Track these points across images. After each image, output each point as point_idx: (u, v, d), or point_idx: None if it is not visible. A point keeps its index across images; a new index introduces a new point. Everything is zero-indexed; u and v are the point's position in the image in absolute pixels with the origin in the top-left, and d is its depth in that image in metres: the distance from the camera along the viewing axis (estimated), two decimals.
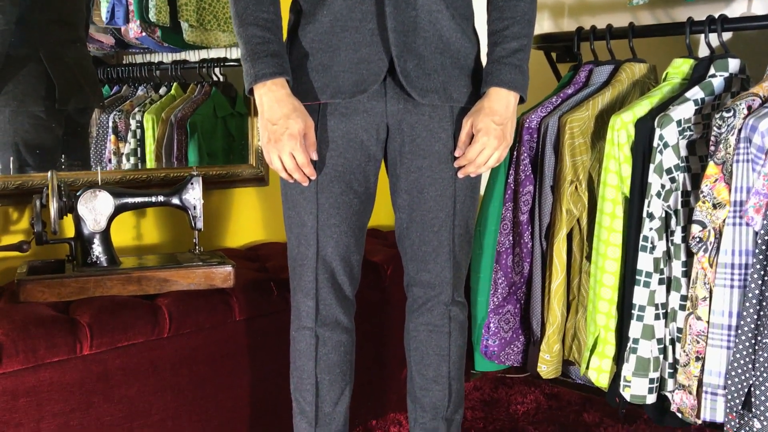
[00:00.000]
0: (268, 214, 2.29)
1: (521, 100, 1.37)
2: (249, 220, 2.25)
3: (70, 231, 1.75)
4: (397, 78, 1.33)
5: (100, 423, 1.45)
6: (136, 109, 2.32)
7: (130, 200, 1.68)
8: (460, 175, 1.40)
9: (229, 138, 2.44)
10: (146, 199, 1.70)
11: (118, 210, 1.66)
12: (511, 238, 1.89)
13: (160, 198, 1.71)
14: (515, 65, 1.34)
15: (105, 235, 1.65)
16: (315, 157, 1.32)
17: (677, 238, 1.63)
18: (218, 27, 2.42)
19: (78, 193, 1.63)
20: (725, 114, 1.51)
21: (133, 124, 2.33)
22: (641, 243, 1.63)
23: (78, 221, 1.63)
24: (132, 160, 2.29)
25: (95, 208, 1.63)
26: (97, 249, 1.63)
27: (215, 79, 2.36)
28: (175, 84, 2.39)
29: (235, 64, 2.42)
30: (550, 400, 2.18)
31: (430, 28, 1.32)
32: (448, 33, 1.34)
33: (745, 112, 1.49)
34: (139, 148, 2.32)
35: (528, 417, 2.06)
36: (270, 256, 2.03)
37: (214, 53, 2.40)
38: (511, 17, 1.35)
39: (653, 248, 1.63)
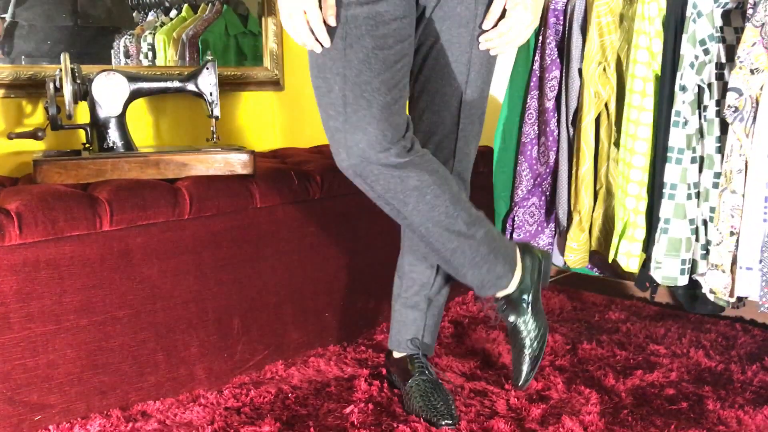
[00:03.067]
0: (286, 120, 2.24)
1: None
2: (266, 125, 2.21)
3: (85, 120, 1.71)
4: None
5: (122, 301, 1.43)
6: (147, 32, 2.27)
7: (145, 85, 1.63)
8: (484, 47, 1.37)
9: (242, 57, 2.39)
10: (162, 84, 1.65)
11: (134, 95, 1.62)
12: (536, 128, 1.84)
13: (176, 83, 1.66)
14: None
15: (121, 120, 1.61)
16: (332, 22, 1.26)
17: (710, 113, 1.58)
18: None
19: (92, 76, 1.59)
20: None
21: (144, 46, 2.28)
22: (673, 118, 1.58)
23: (93, 106, 1.59)
24: None
25: (110, 91, 1.58)
26: (114, 134, 1.60)
27: None
28: (185, 6, 2.33)
29: None
30: (575, 302, 2.15)
31: None
32: None
33: None
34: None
35: (553, 316, 2.04)
36: (290, 155, 1.99)
37: None
38: None
39: (686, 123, 1.58)
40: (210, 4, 2.34)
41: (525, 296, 1.45)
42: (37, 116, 1.76)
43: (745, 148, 1.50)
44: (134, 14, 2.28)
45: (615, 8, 1.71)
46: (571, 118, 1.78)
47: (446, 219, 1.32)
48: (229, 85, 2.10)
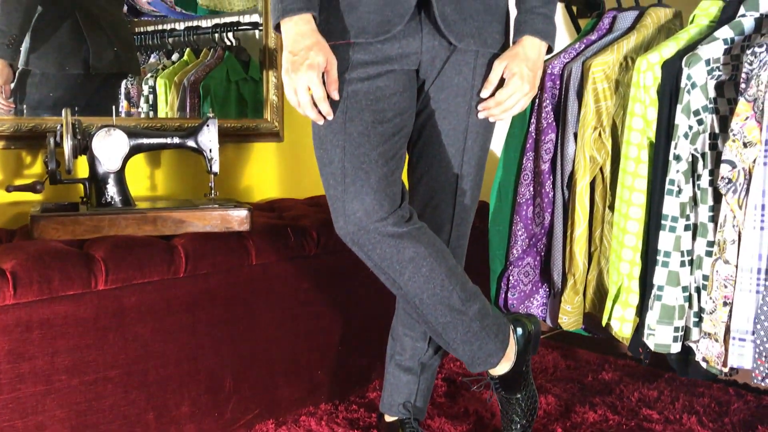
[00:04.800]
0: (284, 171, 2.26)
1: (549, 50, 1.42)
2: (265, 176, 2.22)
3: (84, 173, 1.72)
4: (431, 17, 1.33)
5: (115, 360, 1.43)
6: (149, 75, 2.30)
7: (145, 141, 1.65)
8: (482, 116, 1.41)
9: (242, 103, 2.41)
10: (162, 140, 1.67)
11: (133, 150, 1.63)
12: (531, 189, 1.86)
13: (176, 140, 1.68)
14: (546, 15, 1.39)
15: (119, 175, 1.62)
16: (336, 96, 1.29)
17: (704, 182, 1.59)
18: None
19: (92, 132, 1.60)
20: (757, 50, 1.47)
21: (145, 89, 2.31)
22: (667, 186, 1.59)
23: (92, 161, 1.60)
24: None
25: (110, 147, 1.60)
26: (112, 189, 1.61)
27: (228, 43, 2.33)
28: (187, 50, 2.36)
29: (249, 28, 2.39)
30: (569, 360, 2.15)
31: None
32: None
33: None
34: (151, 112, 2.29)
35: (546, 375, 2.03)
36: (287, 208, 2.00)
37: (227, 18, 2.37)
38: None
39: (680, 192, 1.59)
40: (212, 50, 2.37)
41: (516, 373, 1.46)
42: (36, 167, 1.77)
43: (738, 219, 1.52)
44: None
45: (611, 74, 1.74)
46: (566, 180, 1.79)
47: (441, 292, 1.33)
48: (229, 137, 2.12)
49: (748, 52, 1.48)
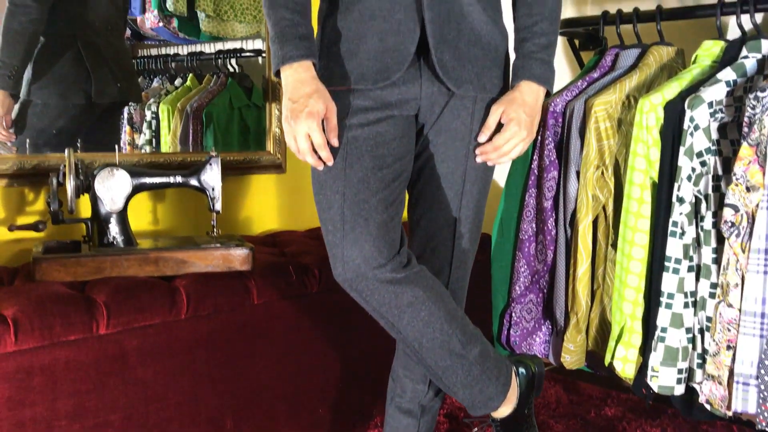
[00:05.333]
0: (285, 202, 2.26)
1: (547, 94, 1.42)
2: (266, 207, 2.22)
3: (86, 211, 1.72)
4: (430, 64, 1.33)
5: (115, 404, 1.42)
6: (152, 100, 2.30)
7: (148, 180, 1.65)
8: (480, 160, 1.41)
9: (245, 129, 2.42)
10: (164, 179, 1.67)
11: (136, 190, 1.64)
12: (534, 226, 1.85)
13: (179, 179, 1.68)
14: (545, 60, 1.39)
15: (122, 215, 1.62)
16: (335, 142, 1.29)
17: (707, 223, 1.59)
18: (235, 17, 2.39)
19: (95, 172, 1.60)
20: (760, 94, 1.47)
21: (148, 114, 2.31)
22: (671, 228, 1.59)
23: (95, 200, 1.60)
24: (147, 150, 2.27)
25: (112, 187, 1.60)
26: (114, 229, 1.61)
27: (231, 69, 2.34)
28: (190, 75, 2.37)
29: (251, 55, 2.39)
30: (571, 394, 2.14)
31: (464, 21, 1.33)
32: (480, 25, 1.35)
33: None
34: (153, 139, 2.29)
35: (549, 411, 2.02)
36: (288, 242, 2.00)
37: (230, 44, 2.38)
38: (539, 14, 1.39)
39: (683, 234, 1.59)
40: (215, 76, 2.38)
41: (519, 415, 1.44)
42: (39, 203, 1.77)
43: (741, 263, 1.51)
44: (139, 80, 2.32)
45: (613, 114, 1.74)
46: (569, 218, 1.79)
47: (440, 336, 1.33)
48: (232, 170, 2.12)
49: (751, 96, 1.48)
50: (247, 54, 2.41)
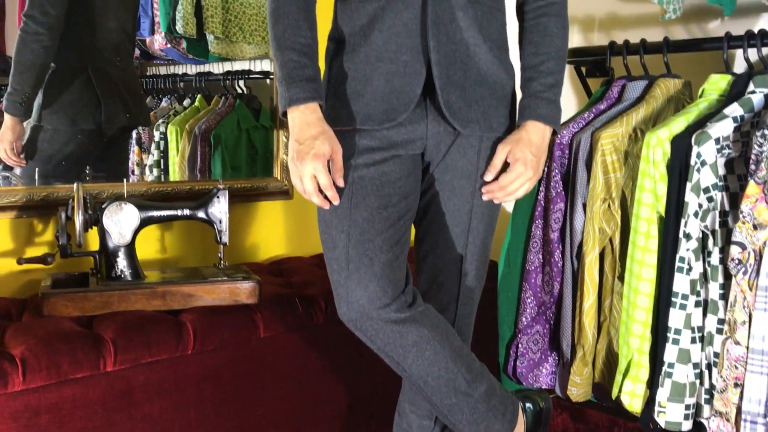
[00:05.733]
0: (292, 228, 2.27)
1: (554, 133, 1.42)
2: (273, 233, 2.23)
3: (94, 242, 1.73)
4: (437, 105, 1.34)
5: None
6: (160, 121, 2.31)
7: (155, 213, 1.66)
8: (486, 198, 1.41)
9: (253, 151, 2.43)
10: (172, 212, 1.68)
11: (144, 223, 1.65)
12: (540, 257, 1.85)
13: (186, 211, 1.69)
14: (551, 100, 1.39)
15: (130, 248, 1.63)
16: (341, 183, 1.30)
17: (714, 259, 1.58)
18: (243, 39, 2.41)
19: (103, 206, 1.61)
20: (767, 132, 1.46)
21: (156, 135, 2.32)
22: (678, 264, 1.58)
23: (103, 234, 1.61)
24: (155, 171, 2.29)
25: (120, 221, 1.61)
26: (122, 263, 1.62)
27: (239, 91, 2.35)
28: (199, 96, 2.38)
29: (260, 76, 2.41)
30: (578, 422, 2.13)
31: (470, 61, 1.34)
32: (486, 65, 1.36)
33: None
34: (162, 160, 2.31)
35: None
36: (294, 271, 2.00)
37: (238, 65, 2.39)
38: (546, 53, 1.39)
39: (690, 269, 1.58)
40: (223, 98, 2.39)
41: None
42: (48, 233, 1.78)
43: (748, 300, 1.51)
44: (148, 99, 2.33)
45: (620, 146, 1.74)
46: (575, 251, 1.79)
47: (446, 375, 1.33)
48: (239, 197, 2.12)
49: (758, 134, 1.48)
50: (255, 75, 2.42)
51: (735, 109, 1.59)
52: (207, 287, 1.61)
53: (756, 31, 1.67)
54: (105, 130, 2.01)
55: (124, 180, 1.78)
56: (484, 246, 1.46)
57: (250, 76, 2.41)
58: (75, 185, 1.59)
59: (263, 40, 2.41)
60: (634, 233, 1.68)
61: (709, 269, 1.59)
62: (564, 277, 1.82)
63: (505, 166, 1.39)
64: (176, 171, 2.31)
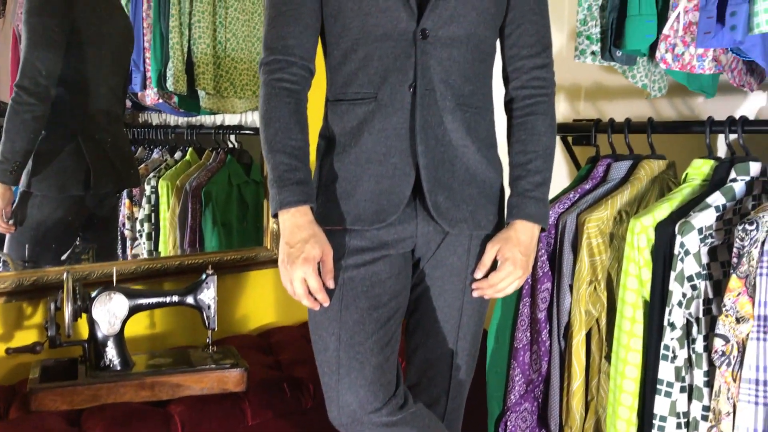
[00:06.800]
0: (281, 297, 2.27)
1: (542, 230, 1.43)
2: (262, 302, 2.24)
3: (83, 328, 1.73)
4: (426, 205, 1.35)
5: None
6: (151, 174, 2.33)
7: (144, 301, 1.67)
8: (476, 295, 1.43)
9: (244, 206, 2.44)
10: (161, 299, 1.69)
11: (133, 311, 1.65)
12: (528, 335, 1.87)
13: (175, 298, 1.70)
14: (539, 199, 1.40)
15: (119, 337, 1.64)
16: (331, 285, 1.31)
17: (699, 346, 1.60)
18: (235, 94, 2.43)
19: (93, 296, 1.62)
20: (748, 227, 1.48)
21: (147, 189, 2.34)
22: (662, 352, 1.60)
23: (92, 324, 1.62)
24: (146, 226, 2.30)
25: (110, 311, 1.62)
26: (111, 352, 1.62)
27: (231, 145, 2.37)
28: (190, 149, 2.39)
29: (252, 132, 2.42)
30: None
31: (458, 162, 1.36)
32: (475, 165, 1.37)
33: None
34: (153, 214, 2.32)
35: None
36: (283, 346, 2.01)
37: (229, 118, 2.41)
38: (534, 151, 1.40)
39: (674, 357, 1.60)
40: (214, 152, 2.41)
41: None
42: (37, 317, 1.79)
43: (732, 391, 1.52)
44: (139, 150, 2.34)
45: (605, 229, 1.76)
46: (562, 331, 1.80)
47: None
48: (229, 269, 2.13)
49: (740, 228, 1.50)
50: (247, 132, 2.43)
51: (717, 198, 1.61)
52: (195, 377, 1.61)
53: (737, 117, 1.70)
54: (94, 196, 2.01)
55: (114, 268, 1.78)
56: (474, 340, 1.47)
57: (242, 131, 2.43)
58: (65, 275, 1.60)
59: (254, 94, 2.43)
60: (620, 317, 1.69)
61: (693, 356, 1.61)
62: (551, 357, 1.83)
63: (495, 263, 1.40)
64: (167, 227, 2.32)
